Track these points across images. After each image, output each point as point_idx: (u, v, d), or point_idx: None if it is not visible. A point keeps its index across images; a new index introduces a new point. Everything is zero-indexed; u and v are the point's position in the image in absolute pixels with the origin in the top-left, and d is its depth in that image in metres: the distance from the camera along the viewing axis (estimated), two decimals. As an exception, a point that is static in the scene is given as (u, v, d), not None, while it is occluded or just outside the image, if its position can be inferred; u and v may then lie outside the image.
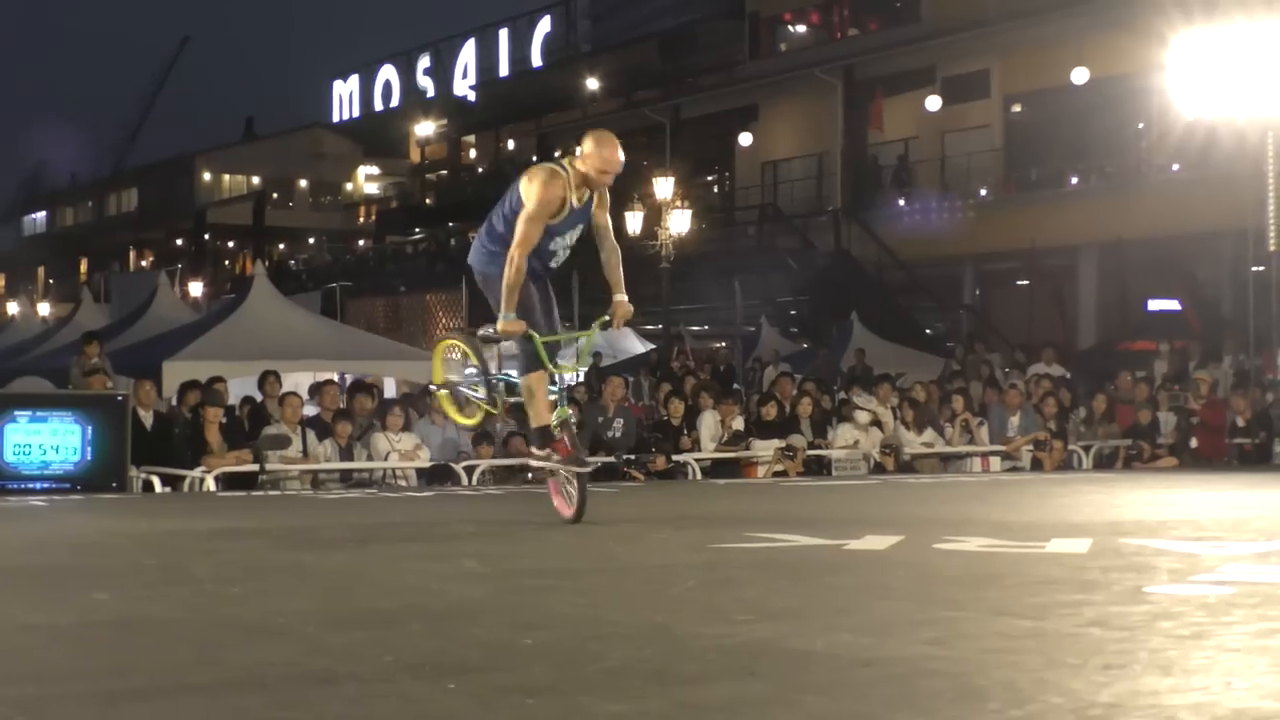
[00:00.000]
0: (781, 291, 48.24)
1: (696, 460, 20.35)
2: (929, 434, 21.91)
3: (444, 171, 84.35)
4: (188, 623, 6.63)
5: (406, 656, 5.67)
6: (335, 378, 23.93)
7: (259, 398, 20.58)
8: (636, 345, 42.03)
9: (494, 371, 11.26)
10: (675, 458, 20.06)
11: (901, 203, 51.74)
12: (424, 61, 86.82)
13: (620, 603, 7.24)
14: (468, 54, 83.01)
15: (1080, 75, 43.70)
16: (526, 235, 10.27)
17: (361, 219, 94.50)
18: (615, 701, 4.88)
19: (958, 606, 6.78)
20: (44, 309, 63.56)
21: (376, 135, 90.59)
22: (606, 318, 10.77)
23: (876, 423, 21.83)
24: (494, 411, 11.53)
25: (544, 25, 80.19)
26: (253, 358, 22.81)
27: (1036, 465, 21.92)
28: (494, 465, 18.92)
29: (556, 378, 10.70)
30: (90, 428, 16.54)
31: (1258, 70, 24.77)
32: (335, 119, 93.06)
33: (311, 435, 18.40)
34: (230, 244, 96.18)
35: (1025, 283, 46.04)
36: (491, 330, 10.57)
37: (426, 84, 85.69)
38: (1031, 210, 45.41)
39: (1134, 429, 23.29)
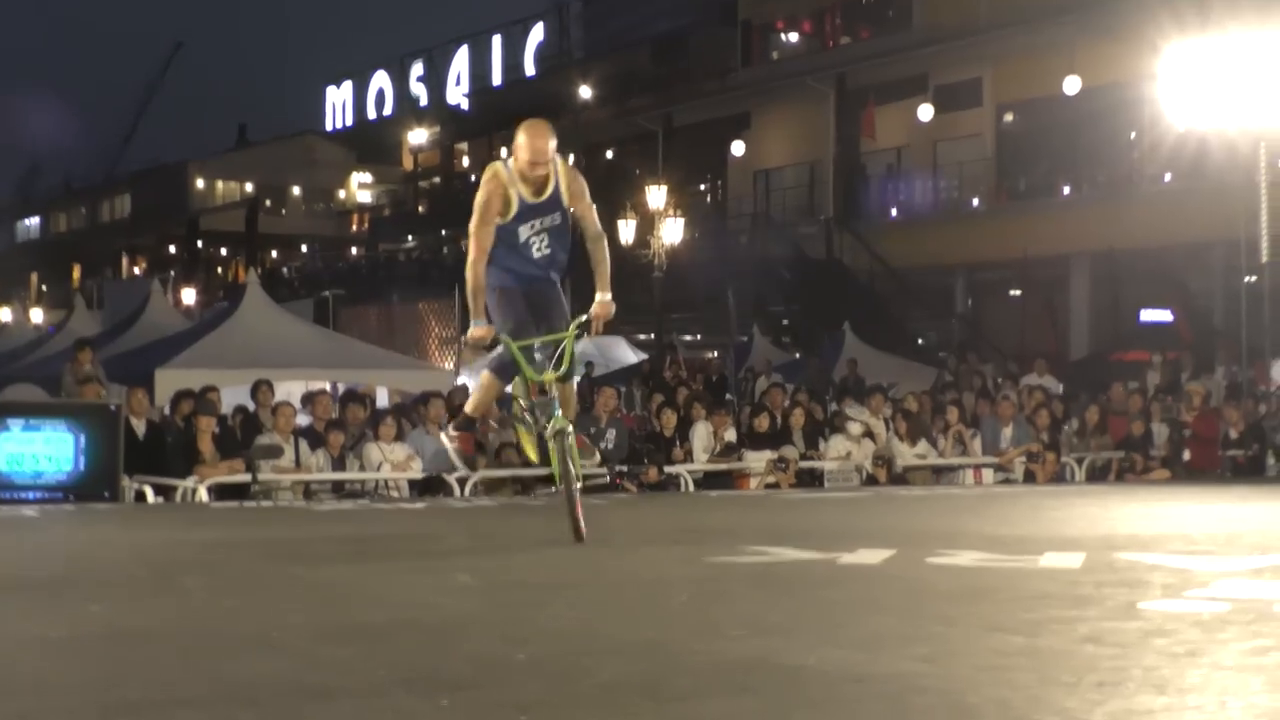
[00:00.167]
0: (774, 300, 48.29)
1: (689, 472, 20.34)
2: (922, 445, 21.90)
3: (437, 179, 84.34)
4: (181, 635, 6.63)
5: (400, 671, 5.67)
6: (328, 387, 23.90)
7: (252, 407, 20.56)
8: (629, 355, 42.02)
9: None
10: (668, 469, 20.04)
11: (894, 212, 51.77)
12: (417, 69, 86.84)
13: (613, 617, 7.24)
14: (461, 61, 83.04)
15: (1072, 84, 43.71)
16: (474, 245, 10.22)
17: (355, 226, 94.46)
18: (608, 717, 4.89)
19: (950, 622, 6.79)
20: (37, 315, 63.49)
21: (370, 142, 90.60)
22: (584, 318, 10.39)
23: (869, 434, 21.85)
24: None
25: (537, 32, 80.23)
26: (245, 366, 22.80)
27: (1029, 477, 21.91)
28: (486, 477, 18.89)
29: (545, 387, 10.46)
30: (83, 437, 16.51)
31: (1250, 80, 24.79)
32: (328, 126, 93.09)
33: (304, 445, 18.38)
34: (223, 251, 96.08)
35: (1017, 292, 46.07)
36: (464, 339, 10.57)
37: (420, 91, 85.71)
38: (1023, 219, 45.45)
39: (1127, 440, 23.27)
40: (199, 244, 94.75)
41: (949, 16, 49.35)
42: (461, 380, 21.65)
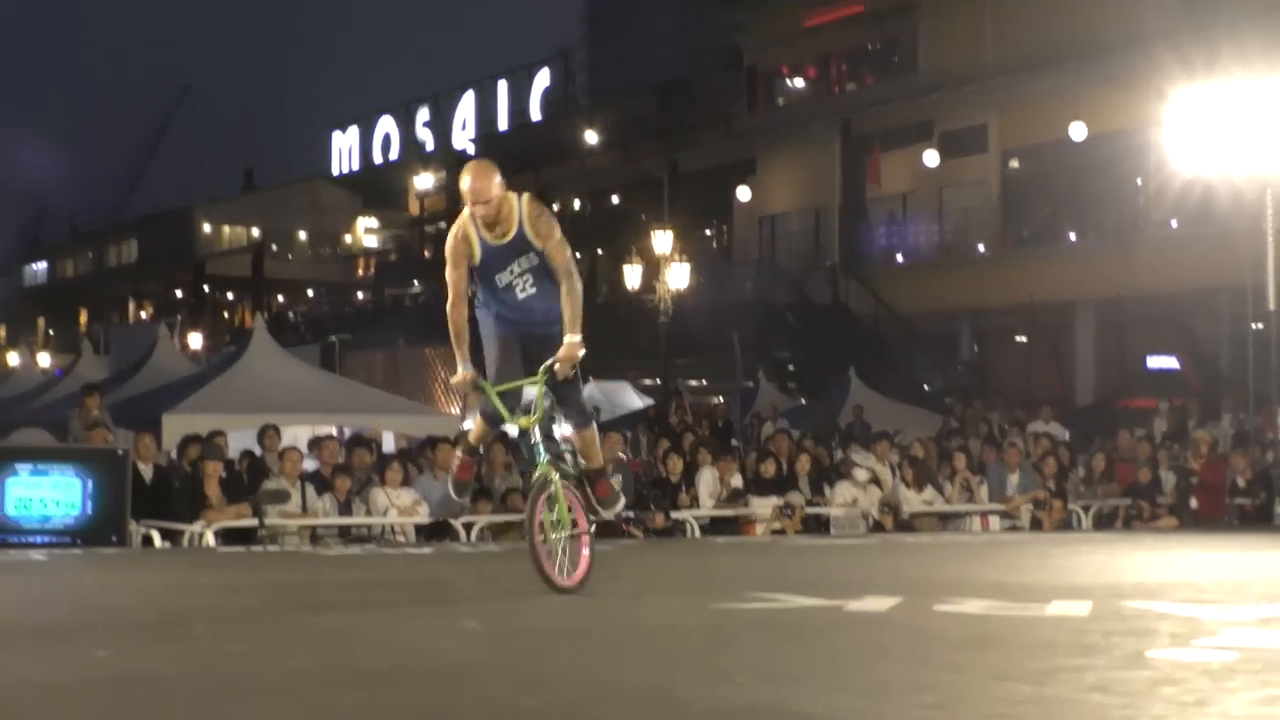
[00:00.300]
0: (780, 346, 48.27)
1: (695, 518, 20.31)
2: (928, 492, 21.84)
3: (443, 223, 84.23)
4: (187, 681, 6.63)
5: (407, 716, 5.68)
6: (334, 432, 23.91)
7: (258, 451, 20.56)
8: (634, 400, 42.00)
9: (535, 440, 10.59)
10: (674, 515, 20.01)
11: (900, 258, 51.79)
12: (423, 114, 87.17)
13: (620, 663, 7.24)
14: (467, 106, 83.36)
15: (1078, 131, 43.76)
16: (449, 290, 10.23)
17: (360, 271, 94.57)
18: (617, 766, 4.89)
19: (957, 670, 6.79)
20: (44, 360, 63.51)
21: (375, 187, 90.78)
22: (551, 362, 10.07)
23: (875, 480, 21.80)
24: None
25: (543, 78, 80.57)
26: (252, 411, 22.80)
27: (1036, 524, 21.86)
28: (492, 521, 18.88)
29: (526, 431, 10.34)
30: (91, 481, 16.52)
31: (1256, 126, 24.83)
32: (334, 171, 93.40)
33: (311, 490, 18.37)
34: (229, 295, 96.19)
35: (1023, 339, 46.06)
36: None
37: (425, 136, 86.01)
38: (1029, 265, 45.43)
39: (1134, 488, 23.22)
40: (205, 288, 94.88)
41: (954, 63, 49.45)
42: (467, 425, 21.62)
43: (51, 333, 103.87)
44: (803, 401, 39.84)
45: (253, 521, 17.74)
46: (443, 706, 5.96)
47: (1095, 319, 44.90)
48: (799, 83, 60.97)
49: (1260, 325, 27.17)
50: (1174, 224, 41.96)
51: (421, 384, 37.52)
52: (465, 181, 10.12)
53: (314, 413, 24.77)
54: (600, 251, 68.88)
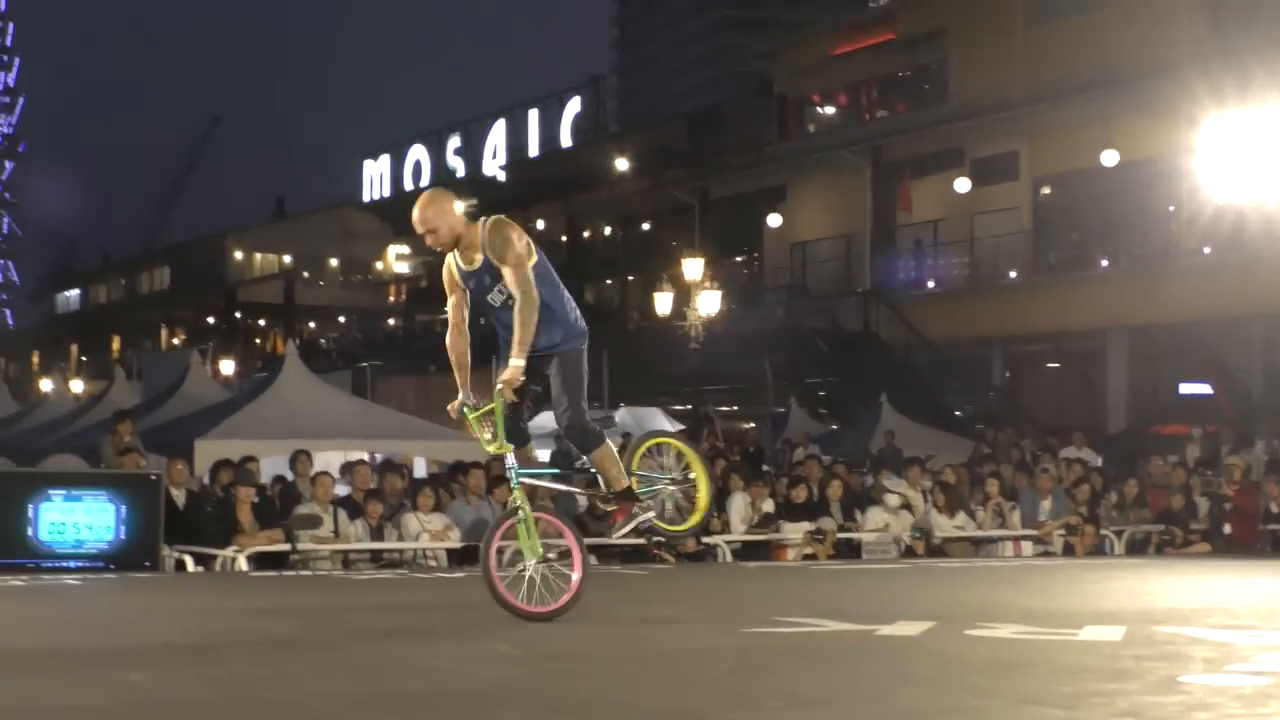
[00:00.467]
0: (810, 372, 48.20)
1: (726, 543, 20.31)
2: (960, 517, 21.83)
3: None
4: (221, 705, 6.66)
5: (440, 741, 5.69)
6: (366, 457, 23.94)
7: (290, 477, 20.61)
8: (665, 426, 41.99)
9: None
10: (705, 540, 19.99)
11: (931, 284, 51.71)
12: (454, 141, 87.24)
13: (651, 688, 7.24)
14: (497, 134, 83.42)
15: (1110, 158, 43.66)
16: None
17: (391, 298, 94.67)
18: (649, 789, 4.89)
19: (988, 695, 6.78)
20: (77, 386, 63.68)
21: (407, 214, 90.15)
22: (498, 385, 9.93)
23: (907, 506, 21.79)
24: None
25: (573, 105, 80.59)
26: (284, 437, 22.84)
27: (1068, 550, 21.83)
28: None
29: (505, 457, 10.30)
30: (124, 507, 16.59)
31: (1287, 155, 24.78)
32: (366, 198, 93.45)
33: (343, 515, 18.41)
34: (261, 322, 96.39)
35: (1055, 365, 45.93)
36: None
37: (456, 163, 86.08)
38: (1060, 292, 45.29)
39: (1167, 514, 23.18)
40: (237, 315, 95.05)
41: (985, 90, 49.40)
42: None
43: (84, 359, 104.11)
44: (834, 427, 39.79)
45: (285, 546, 17.77)
46: (475, 730, 5.97)
47: (1127, 346, 44.74)
48: (830, 110, 60.96)
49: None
50: (1206, 251, 41.83)
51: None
52: (414, 211, 10.17)
53: (346, 438, 24.80)
54: (631, 278, 68.92)
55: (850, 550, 21.06)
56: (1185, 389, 41.51)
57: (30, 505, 16.35)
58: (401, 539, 18.66)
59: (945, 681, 7.28)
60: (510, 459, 10.28)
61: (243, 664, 8.06)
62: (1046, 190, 49.68)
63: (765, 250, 60.41)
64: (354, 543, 18.41)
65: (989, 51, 50.21)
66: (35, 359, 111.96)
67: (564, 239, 73.42)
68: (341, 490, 19.75)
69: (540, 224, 77.59)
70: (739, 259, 62.58)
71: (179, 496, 18.42)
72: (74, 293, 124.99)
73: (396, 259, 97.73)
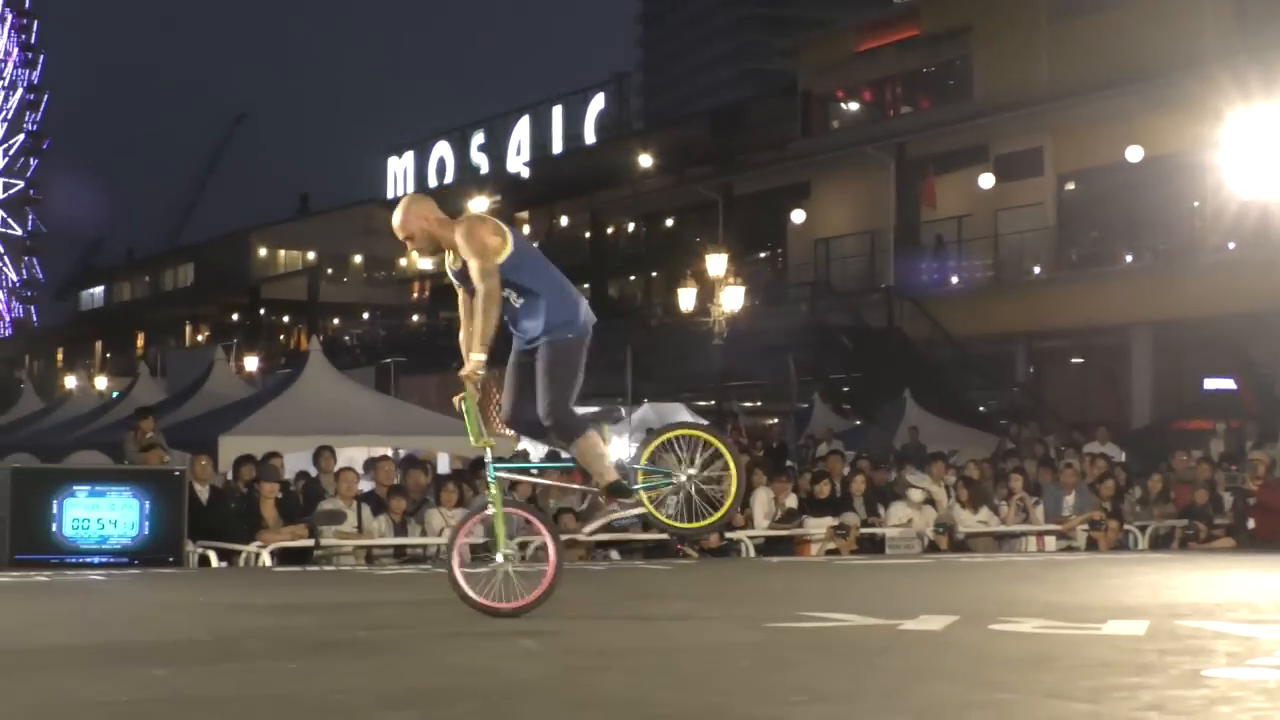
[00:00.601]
0: (834, 368, 48.16)
1: (750, 538, 20.30)
2: (984, 512, 21.80)
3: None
4: (244, 700, 6.66)
5: (462, 735, 5.69)
6: (390, 453, 23.97)
7: (314, 473, 20.63)
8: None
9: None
10: (728, 535, 19.99)
11: (955, 280, 51.62)
12: (478, 138, 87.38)
13: (674, 683, 7.24)
14: (521, 131, 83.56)
15: (1134, 153, 43.59)
16: None
17: (415, 294, 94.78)
18: (671, 783, 4.89)
19: (1012, 689, 6.77)
20: (101, 383, 63.84)
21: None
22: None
23: (930, 501, 21.76)
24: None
25: (597, 102, 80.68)
26: (307, 433, 22.87)
27: (1092, 545, 21.80)
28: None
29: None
30: (148, 502, 16.62)
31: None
32: (389, 195, 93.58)
33: (366, 510, 18.43)
34: (285, 319, 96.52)
35: (1079, 361, 45.83)
36: None
37: (480, 160, 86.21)
38: (1084, 288, 45.20)
39: (1190, 509, 23.13)
40: (261, 312, 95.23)
41: (1009, 86, 49.34)
42: (521, 446, 21.68)
43: (108, 356, 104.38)
44: (857, 423, 39.77)
45: (309, 542, 17.80)
46: (497, 724, 5.97)
47: (1151, 341, 44.66)
48: (853, 106, 60.92)
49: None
50: (1230, 246, 41.72)
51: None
52: (393, 219, 10.25)
53: (369, 434, 24.84)
54: (654, 275, 68.89)
55: (873, 545, 21.04)
56: (1209, 384, 41.43)
57: (55, 501, 16.38)
58: (425, 534, 18.67)
59: (969, 676, 7.27)
60: (489, 454, 10.29)
61: (266, 659, 8.07)
62: (1071, 186, 49.60)
63: (789, 247, 60.36)
64: (377, 538, 18.43)
65: (1013, 47, 50.16)
66: (60, 356, 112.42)
67: (587, 235, 73.49)
68: (365, 486, 19.77)
69: (564, 220, 77.71)
70: (763, 255, 62.55)
71: (203, 492, 18.46)
72: (98, 290, 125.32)
73: (420, 256, 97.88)
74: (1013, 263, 50.21)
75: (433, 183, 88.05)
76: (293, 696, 6.75)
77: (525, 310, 10.04)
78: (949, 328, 48.28)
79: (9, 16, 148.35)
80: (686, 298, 49.08)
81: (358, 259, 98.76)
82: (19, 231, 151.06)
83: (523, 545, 10.28)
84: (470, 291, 10.10)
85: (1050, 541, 22.13)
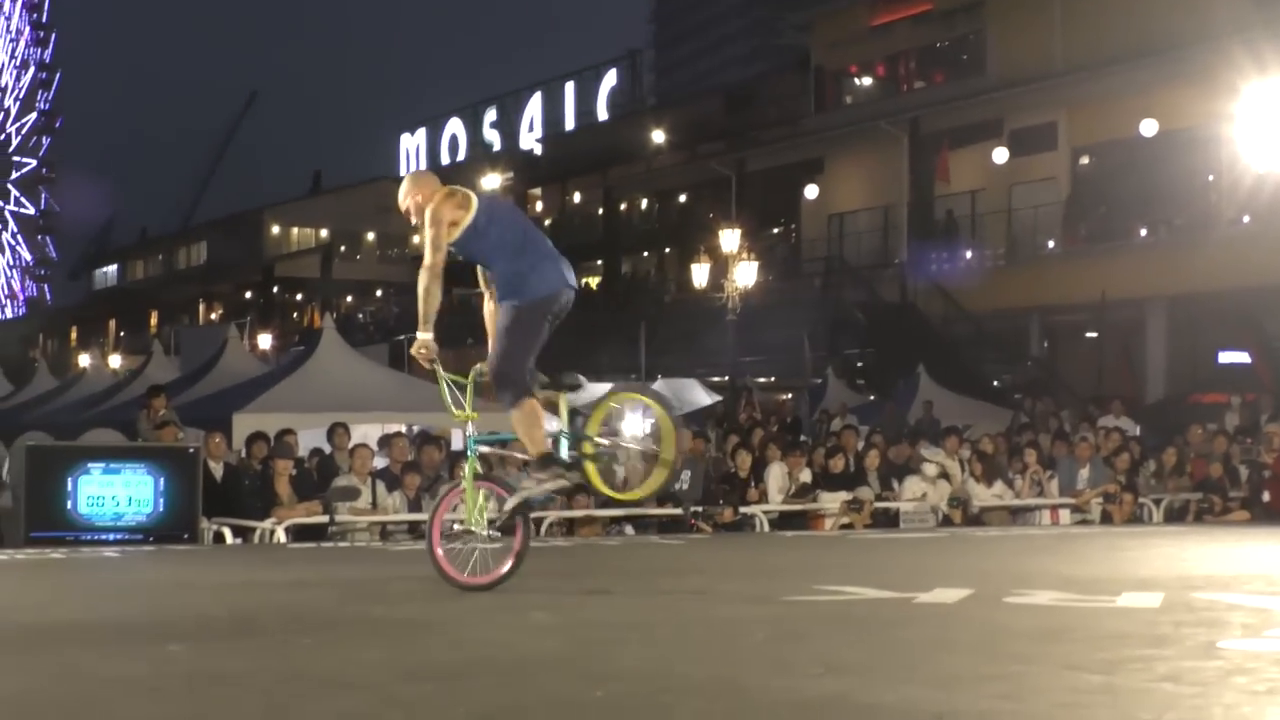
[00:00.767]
0: (848, 344, 48.14)
1: (764, 512, 20.32)
2: (998, 486, 21.80)
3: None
4: (260, 674, 6.67)
5: (478, 708, 5.69)
6: (404, 429, 23.98)
7: (328, 449, 20.66)
8: (702, 397, 41.96)
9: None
10: (743, 510, 20.01)
11: (969, 255, 51.53)
12: (490, 115, 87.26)
13: (689, 655, 7.24)
14: (534, 107, 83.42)
15: (1149, 127, 43.51)
16: None
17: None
18: (687, 754, 4.89)
19: (1027, 661, 6.77)
20: (115, 361, 63.92)
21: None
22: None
23: (945, 475, 21.75)
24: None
25: (610, 79, 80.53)
26: (322, 410, 22.89)
27: (1106, 518, 21.79)
28: (562, 517, 18.94)
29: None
30: (162, 479, 16.65)
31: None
32: (402, 172, 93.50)
33: (381, 487, 18.45)
34: (298, 296, 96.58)
35: (1093, 335, 45.76)
36: None
37: (493, 137, 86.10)
38: (1099, 262, 45.09)
39: (1205, 482, 23.12)
40: (274, 290, 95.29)
41: (1024, 60, 49.26)
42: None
43: (122, 335, 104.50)
44: (871, 398, 39.76)
45: (323, 518, 17.83)
46: (514, 698, 5.98)
47: (1166, 315, 44.59)
48: (867, 81, 60.82)
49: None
50: (1245, 219, 41.64)
51: (490, 382, 37.41)
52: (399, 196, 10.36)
53: (383, 411, 24.86)
54: (668, 251, 68.84)
55: (888, 520, 21.05)
56: (1224, 358, 41.35)
57: (69, 479, 16.42)
58: (439, 510, 18.67)
59: (985, 648, 7.27)
60: (470, 428, 10.46)
61: (282, 634, 8.08)
62: (1085, 160, 49.52)
63: (803, 222, 60.32)
64: (392, 514, 18.46)
65: (1027, 21, 50.07)
66: (74, 335, 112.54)
67: (601, 212, 73.43)
68: (379, 462, 19.79)
69: (577, 197, 77.63)
70: (776, 231, 62.52)
71: (217, 470, 18.49)
72: (112, 269, 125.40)
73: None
74: (1027, 237, 50.14)
75: (445, 160, 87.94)
76: (308, 672, 6.76)
77: (490, 275, 10.29)
78: (963, 302, 48.24)
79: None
80: (700, 274, 49.11)
81: (370, 236, 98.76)
82: (33, 210, 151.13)
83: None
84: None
85: (1065, 515, 22.13)
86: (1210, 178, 43.76)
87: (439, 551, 10.17)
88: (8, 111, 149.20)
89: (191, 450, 17.52)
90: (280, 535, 17.40)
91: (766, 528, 20.05)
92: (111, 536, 16.26)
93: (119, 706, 5.87)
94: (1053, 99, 48.31)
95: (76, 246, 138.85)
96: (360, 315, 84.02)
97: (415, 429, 24.73)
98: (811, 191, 57.44)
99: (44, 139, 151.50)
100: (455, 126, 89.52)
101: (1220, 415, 30.66)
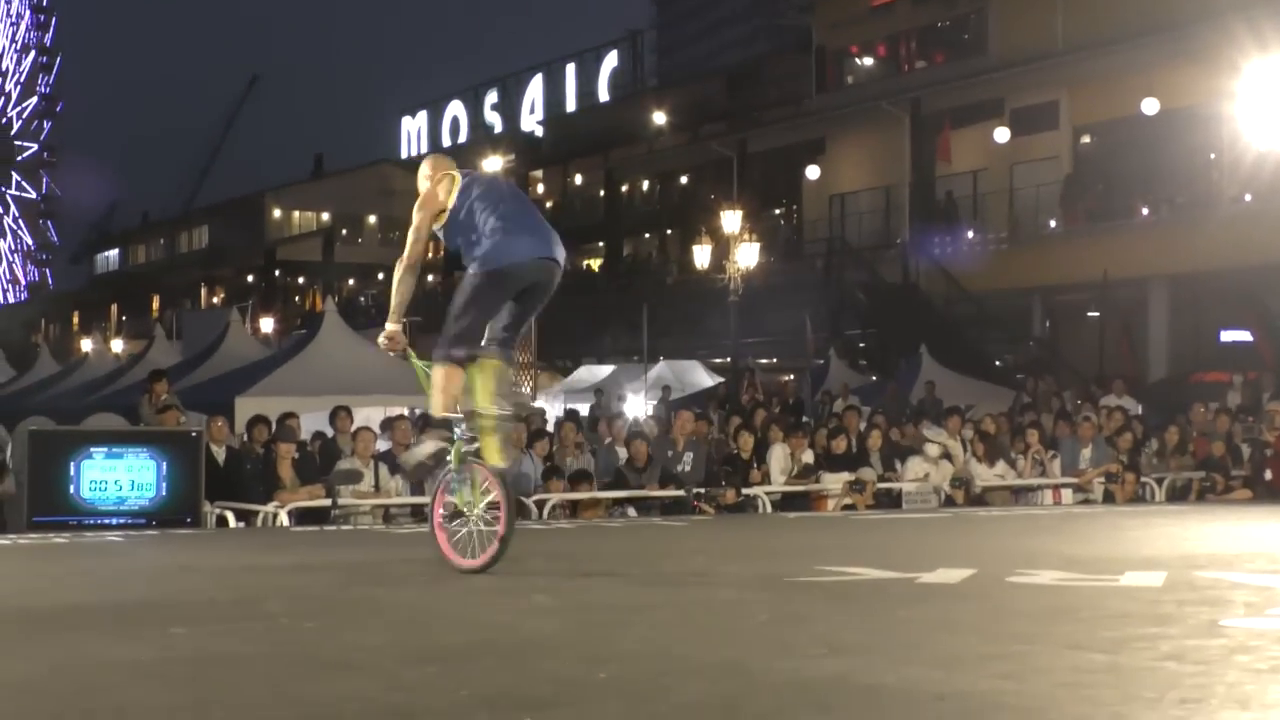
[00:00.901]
0: (850, 324, 48.15)
1: (767, 494, 20.31)
2: (1000, 466, 21.80)
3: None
4: (265, 658, 6.67)
5: (481, 691, 5.70)
6: (406, 412, 23.98)
7: (330, 433, 20.66)
8: (705, 379, 42.05)
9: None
10: (745, 491, 20.01)
11: (970, 235, 51.51)
12: (491, 97, 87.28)
13: (692, 637, 7.25)
14: (535, 89, 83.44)
15: (1150, 106, 43.49)
16: None
17: (430, 255, 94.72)
18: (690, 736, 4.89)
19: (1030, 640, 6.77)
20: (117, 346, 63.95)
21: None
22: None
23: (947, 455, 21.74)
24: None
25: (611, 60, 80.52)
26: (324, 393, 22.90)
27: (1108, 498, 21.79)
28: (565, 499, 18.95)
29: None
30: (165, 463, 16.64)
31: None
32: (404, 155, 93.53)
33: (383, 470, 18.45)
34: (300, 280, 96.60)
35: (1095, 315, 45.78)
36: None
37: (494, 119, 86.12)
38: (1101, 241, 45.08)
39: (1207, 461, 23.12)
40: (276, 273, 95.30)
41: (1025, 40, 49.22)
42: (538, 404, 21.73)
43: (124, 319, 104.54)
44: (874, 379, 39.78)
45: (326, 501, 17.83)
46: (517, 680, 5.98)
47: (1168, 294, 44.59)
48: (868, 62, 60.76)
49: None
50: (1247, 198, 41.62)
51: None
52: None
53: (385, 394, 24.86)
54: (669, 232, 68.83)
55: (890, 500, 21.05)
56: (1226, 336, 41.39)
57: (72, 463, 16.41)
58: (442, 493, 18.67)
59: (988, 628, 7.27)
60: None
61: (285, 618, 8.08)
62: (1087, 139, 49.49)
63: (804, 203, 60.32)
64: (395, 497, 18.46)
65: (1028, 1, 50.00)
66: (75, 319, 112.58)
67: (602, 194, 73.42)
68: (382, 445, 19.79)
69: (579, 179, 77.61)
70: (778, 212, 62.53)
71: (219, 453, 18.50)
72: (113, 253, 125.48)
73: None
74: (1028, 217, 50.12)
75: (446, 142, 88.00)
76: (312, 655, 6.76)
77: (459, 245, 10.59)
78: (964, 283, 48.22)
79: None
80: (702, 255, 49.10)
81: (372, 219, 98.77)
82: (34, 195, 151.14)
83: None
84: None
85: (1067, 494, 22.13)
86: (1212, 156, 43.73)
87: (444, 538, 10.19)
88: (9, 95, 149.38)
89: (194, 434, 17.51)
90: (283, 519, 17.40)
91: (769, 509, 20.05)
92: (114, 521, 16.25)
93: (123, 690, 5.87)
94: (1054, 78, 48.28)
95: (78, 231, 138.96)
96: (362, 299, 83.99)
97: (418, 411, 24.72)
98: (813, 172, 57.43)
99: (45, 123, 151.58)
100: (456, 109, 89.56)
101: (1222, 394, 30.67)
